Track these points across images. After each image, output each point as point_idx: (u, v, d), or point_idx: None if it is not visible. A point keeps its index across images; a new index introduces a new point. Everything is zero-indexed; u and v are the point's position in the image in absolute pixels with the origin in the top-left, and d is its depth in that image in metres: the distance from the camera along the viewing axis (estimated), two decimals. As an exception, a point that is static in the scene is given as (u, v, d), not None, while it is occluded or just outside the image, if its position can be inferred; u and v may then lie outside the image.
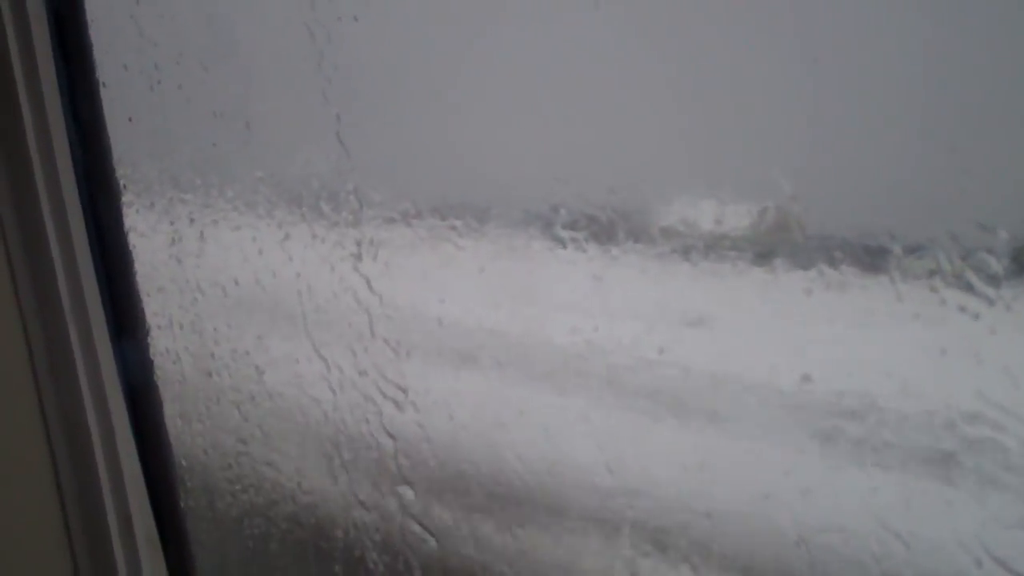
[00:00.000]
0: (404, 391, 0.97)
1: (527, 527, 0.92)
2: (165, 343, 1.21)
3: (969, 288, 0.60)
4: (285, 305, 1.06)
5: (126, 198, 1.18)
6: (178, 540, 1.24)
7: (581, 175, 0.78)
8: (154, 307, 1.20)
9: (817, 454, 0.69)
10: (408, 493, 1.00)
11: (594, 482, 0.84)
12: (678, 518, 0.79)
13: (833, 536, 0.72)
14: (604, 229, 0.77)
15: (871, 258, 0.64)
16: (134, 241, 1.19)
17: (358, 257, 0.96)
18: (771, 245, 0.68)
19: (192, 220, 1.14)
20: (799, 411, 0.69)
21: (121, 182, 1.18)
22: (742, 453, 0.75)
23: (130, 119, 1.16)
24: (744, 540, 0.79)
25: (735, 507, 0.78)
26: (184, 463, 1.23)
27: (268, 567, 1.25)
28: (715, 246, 0.71)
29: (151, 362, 1.21)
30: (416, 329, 0.95)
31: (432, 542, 1.00)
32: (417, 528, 1.00)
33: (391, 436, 1.00)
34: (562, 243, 0.80)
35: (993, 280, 0.58)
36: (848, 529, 0.71)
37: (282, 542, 1.21)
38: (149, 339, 1.21)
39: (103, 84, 1.17)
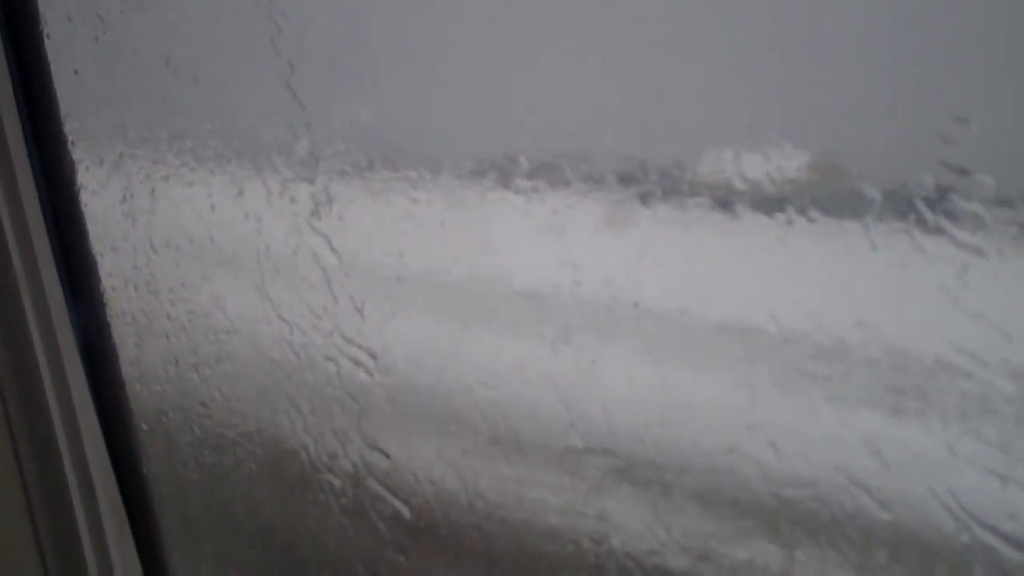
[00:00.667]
0: (368, 352, 0.94)
1: (491, 478, 0.90)
2: (120, 305, 1.18)
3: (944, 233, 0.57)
4: (242, 263, 1.03)
5: (75, 154, 1.14)
6: (143, 506, 1.21)
7: (539, 123, 0.76)
8: (108, 267, 1.17)
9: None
10: (374, 456, 0.98)
11: (560, 435, 0.82)
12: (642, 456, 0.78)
13: (801, 490, 0.71)
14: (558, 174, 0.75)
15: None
16: (85, 199, 1.16)
17: (315, 213, 0.93)
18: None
19: (144, 176, 1.11)
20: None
21: (70, 138, 1.14)
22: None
23: (76, 72, 1.12)
24: (710, 491, 0.77)
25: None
26: (145, 427, 1.21)
27: (235, 530, 1.23)
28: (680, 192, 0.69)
29: (108, 325, 1.18)
30: (376, 286, 0.92)
31: (400, 506, 0.98)
32: (382, 490, 0.98)
33: (354, 398, 0.97)
34: (521, 193, 0.78)
35: (972, 225, 0.56)
36: (818, 482, 0.69)
37: (247, 505, 1.19)
38: (105, 301, 1.18)
39: (47, 36, 1.13)
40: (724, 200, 0.66)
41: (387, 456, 0.97)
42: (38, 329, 1.14)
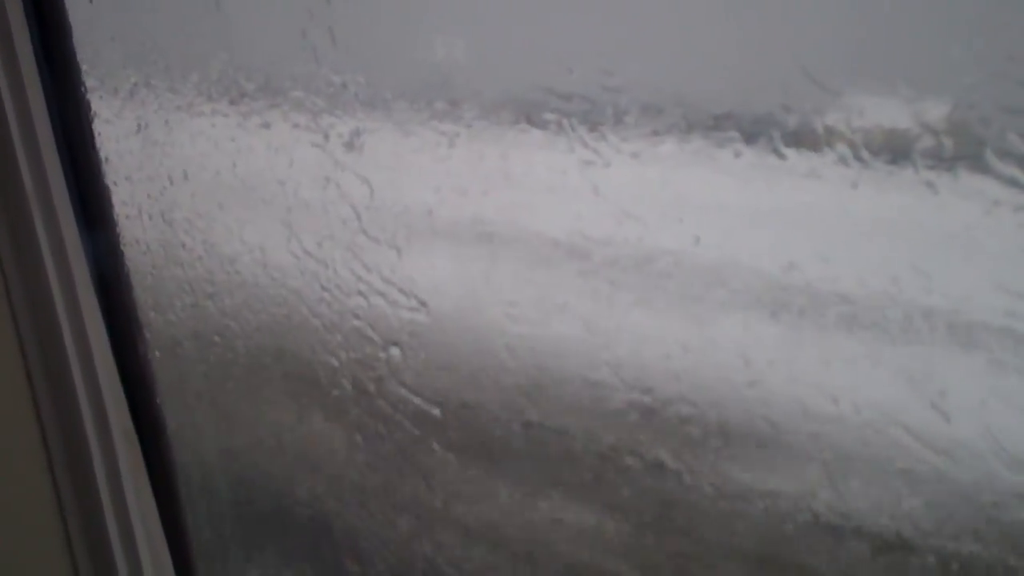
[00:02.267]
0: (400, 289, 0.96)
1: (523, 411, 0.93)
2: (135, 233, 1.20)
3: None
4: (263, 194, 1.04)
5: (88, 83, 1.15)
6: (154, 432, 1.24)
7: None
8: (122, 196, 1.18)
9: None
10: (400, 390, 1.00)
11: (586, 370, 0.85)
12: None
13: (827, 425, 0.73)
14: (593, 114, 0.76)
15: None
16: (99, 128, 1.17)
17: (346, 145, 0.95)
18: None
19: (159, 106, 1.12)
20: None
21: (83, 66, 1.15)
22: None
23: (91, 0, 1.13)
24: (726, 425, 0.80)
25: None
26: (158, 355, 1.23)
27: (246, 462, 1.25)
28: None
29: (121, 253, 1.20)
30: (406, 221, 0.94)
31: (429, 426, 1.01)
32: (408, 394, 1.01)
33: (382, 332, 0.99)
34: (548, 128, 0.79)
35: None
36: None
37: (260, 436, 1.22)
38: (118, 229, 1.20)
39: (60, -37, 1.13)
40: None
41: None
42: (51, 257, 1.16)
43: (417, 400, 0.99)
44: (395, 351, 0.99)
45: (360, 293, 0.97)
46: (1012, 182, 0.59)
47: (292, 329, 1.07)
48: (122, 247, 1.20)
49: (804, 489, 0.76)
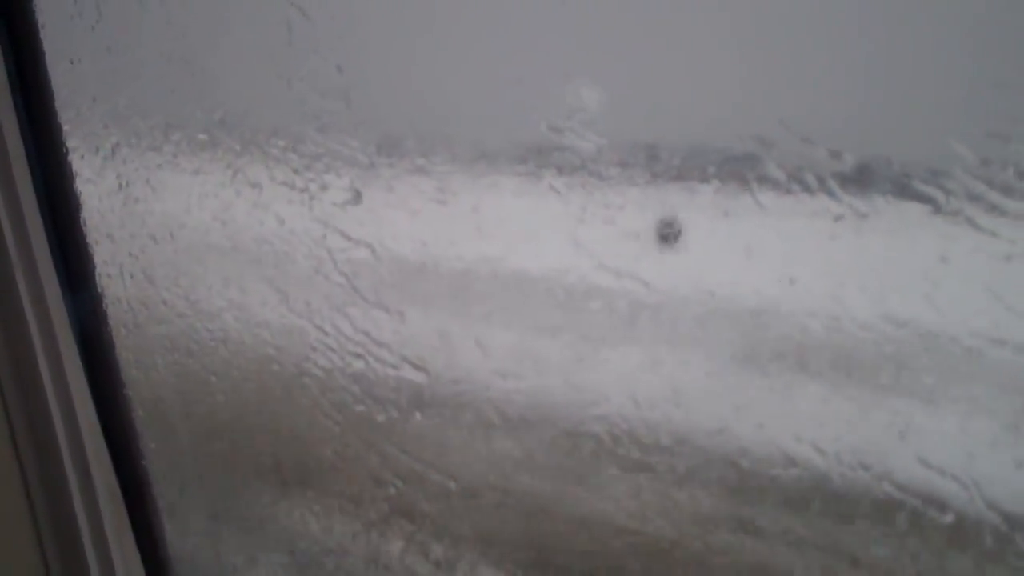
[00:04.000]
0: (387, 347, 0.98)
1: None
2: (116, 292, 1.22)
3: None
4: (247, 253, 1.06)
5: (70, 143, 1.18)
6: (140, 491, 1.25)
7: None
8: (103, 255, 1.20)
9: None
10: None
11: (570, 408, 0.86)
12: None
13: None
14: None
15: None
16: (80, 187, 1.19)
17: (327, 202, 0.97)
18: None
19: (140, 165, 1.14)
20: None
21: (65, 127, 1.18)
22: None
23: (71, 61, 1.16)
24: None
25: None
26: (142, 413, 1.24)
27: (235, 517, 1.26)
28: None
29: (104, 312, 1.22)
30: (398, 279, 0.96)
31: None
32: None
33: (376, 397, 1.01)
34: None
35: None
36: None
37: (249, 491, 1.23)
38: (100, 289, 1.22)
39: (43, 26, 1.16)
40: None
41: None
42: (35, 318, 1.18)
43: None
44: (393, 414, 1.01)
45: (353, 354, 0.99)
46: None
47: (278, 387, 1.08)
48: (104, 306, 1.22)
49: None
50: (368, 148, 0.92)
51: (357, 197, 0.95)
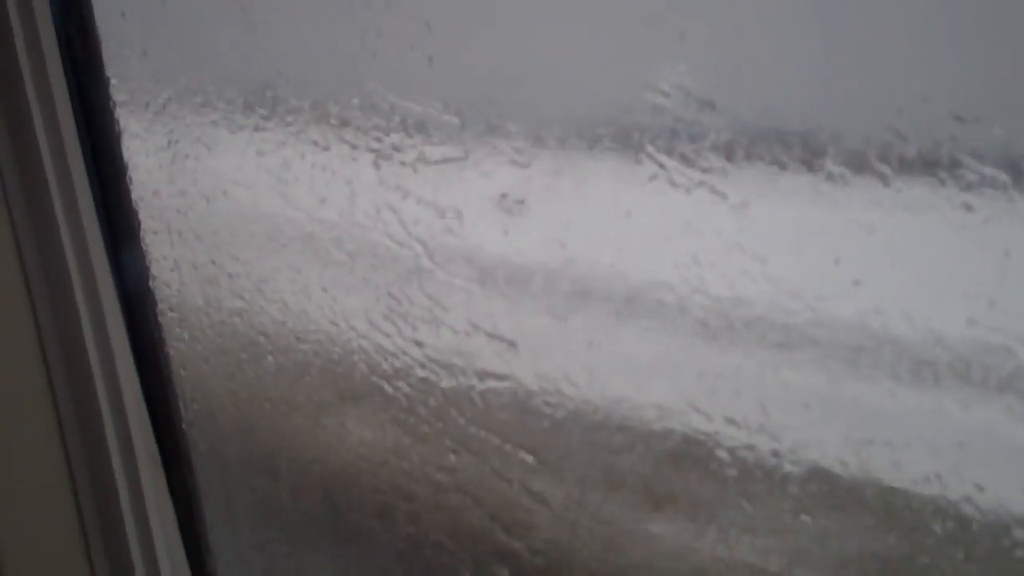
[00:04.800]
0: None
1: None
2: (161, 250, 1.20)
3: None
4: (303, 212, 1.05)
5: (119, 97, 1.16)
6: (179, 456, 1.24)
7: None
8: (150, 212, 1.19)
9: None
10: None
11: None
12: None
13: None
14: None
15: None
16: (127, 143, 1.17)
17: (401, 168, 0.96)
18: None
19: (190, 122, 1.13)
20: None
21: (113, 80, 1.16)
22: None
23: (123, 14, 1.14)
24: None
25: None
26: (183, 373, 1.23)
27: (273, 484, 1.26)
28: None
29: (147, 269, 1.20)
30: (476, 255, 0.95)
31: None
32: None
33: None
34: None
35: None
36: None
37: (287, 458, 1.22)
38: (144, 245, 1.20)
39: (94, -23, 1.15)
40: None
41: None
42: (79, 275, 1.16)
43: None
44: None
45: (426, 321, 0.98)
46: None
47: (335, 351, 1.07)
48: (148, 263, 1.21)
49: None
50: (450, 112, 0.91)
51: (428, 160, 0.94)
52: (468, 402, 0.99)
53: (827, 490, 0.77)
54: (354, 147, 0.99)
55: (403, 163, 0.95)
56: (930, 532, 0.72)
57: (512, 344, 0.95)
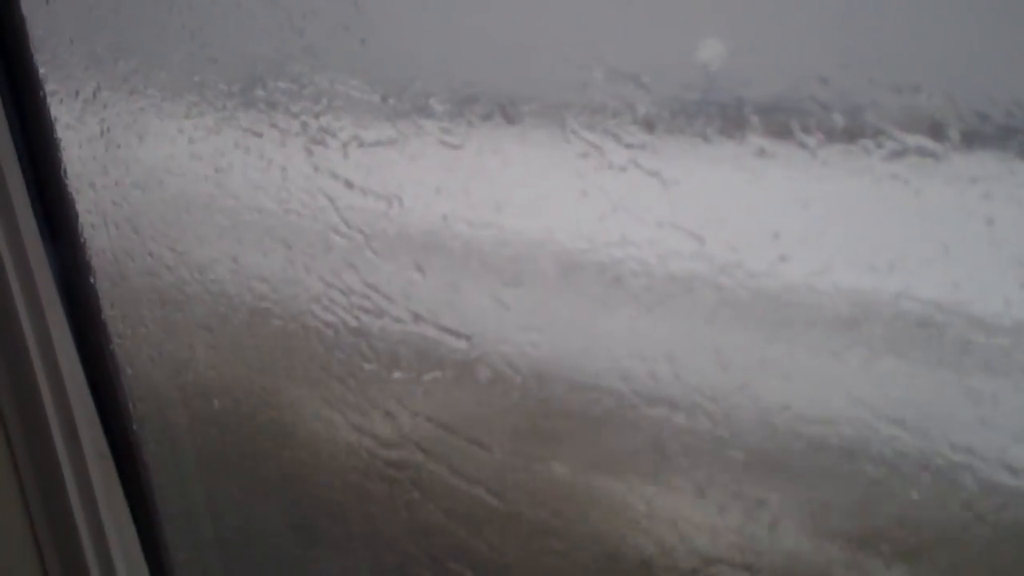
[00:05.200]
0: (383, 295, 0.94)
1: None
2: (100, 243, 1.17)
3: None
4: (243, 203, 1.02)
5: (48, 87, 1.13)
6: (130, 454, 1.21)
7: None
8: (86, 204, 1.16)
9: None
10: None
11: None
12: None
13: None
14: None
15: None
16: (60, 134, 1.14)
17: (320, 146, 0.92)
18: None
19: (121, 110, 1.10)
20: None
21: (42, 70, 1.12)
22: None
23: (47, 0, 1.10)
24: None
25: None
26: (130, 371, 1.20)
27: (224, 475, 1.23)
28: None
29: (88, 264, 1.17)
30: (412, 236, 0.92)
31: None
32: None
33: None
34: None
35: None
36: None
37: (238, 450, 1.19)
38: (84, 239, 1.17)
39: (15, -36, 1.11)
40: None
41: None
42: (15, 270, 1.13)
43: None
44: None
45: (362, 309, 0.95)
46: None
47: (278, 343, 1.04)
48: (88, 257, 1.18)
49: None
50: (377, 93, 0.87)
51: (362, 143, 0.91)
52: (414, 391, 0.97)
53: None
54: (285, 132, 0.95)
55: (335, 148, 0.92)
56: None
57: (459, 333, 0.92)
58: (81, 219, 1.17)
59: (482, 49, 0.83)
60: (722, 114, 0.67)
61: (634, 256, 0.76)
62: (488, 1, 0.82)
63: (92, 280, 1.19)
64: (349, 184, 0.91)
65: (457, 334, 0.89)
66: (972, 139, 0.58)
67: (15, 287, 1.14)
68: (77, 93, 1.12)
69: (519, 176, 0.83)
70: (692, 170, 0.72)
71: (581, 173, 0.77)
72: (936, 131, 0.59)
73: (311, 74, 0.92)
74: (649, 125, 0.71)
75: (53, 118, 1.15)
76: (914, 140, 0.60)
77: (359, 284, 0.96)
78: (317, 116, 0.92)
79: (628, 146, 0.73)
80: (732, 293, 0.72)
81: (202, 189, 1.05)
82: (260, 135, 0.98)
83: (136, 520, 1.23)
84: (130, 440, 1.22)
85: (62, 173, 1.16)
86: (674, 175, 0.73)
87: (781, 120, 0.65)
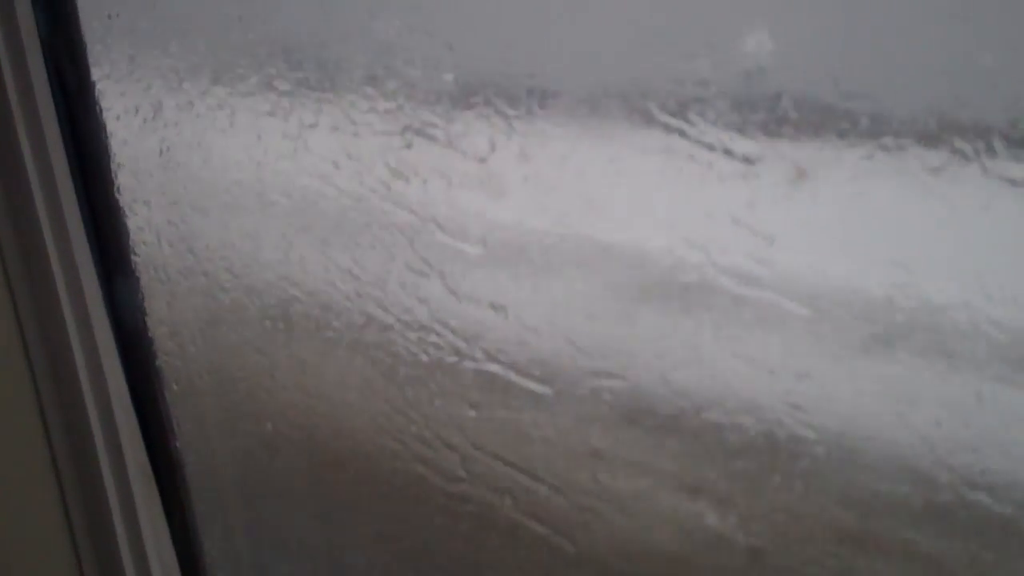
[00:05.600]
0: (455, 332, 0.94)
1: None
2: (152, 261, 1.17)
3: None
4: (293, 214, 1.02)
5: (104, 102, 1.12)
6: (171, 470, 1.21)
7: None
8: (139, 222, 1.16)
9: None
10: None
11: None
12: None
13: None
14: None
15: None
16: (116, 149, 1.14)
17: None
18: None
19: (183, 128, 1.09)
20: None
21: (97, 85, 1.12)
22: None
23: (109, 16, 1.10)
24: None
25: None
26: (175, 388, 1.20)
27: (267, 494, 1.23)
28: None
29: (137, 280, 1.17)
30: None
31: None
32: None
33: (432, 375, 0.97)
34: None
35: None
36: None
37: (288, 476, 1.19)
38: (134, 256, 1.17)
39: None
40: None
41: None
42: (65, 285, 1.13)
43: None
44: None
45: (423, 327, 0.95)
46: None
47: (334, 363, 1.05)
48: (138, 273, 1.17)
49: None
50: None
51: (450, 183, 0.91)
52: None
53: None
54: (360, 164, 0.95)
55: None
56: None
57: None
58: (133, 236, 1.16)
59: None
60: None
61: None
62: None
63: (140, 297, 1.18)
64: (435, 222, 0.91)
65: (537, 379, 0.90)
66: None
67: (64, 299, 1.14)
68: (137, 109, 1.11)
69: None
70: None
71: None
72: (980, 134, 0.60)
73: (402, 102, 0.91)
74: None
75: (108, 133, 1.14)
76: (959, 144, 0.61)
77: (428, 319, 0.96)
78: (396, 151, 0.92)
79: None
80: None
81: (266, 211, 1.05)
82: (338, 166, 0.97)
83: (175, 540, 1.23)
84: (172, 457, 1.22)
85: (115, 190, 1.15)
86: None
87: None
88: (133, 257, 1.17)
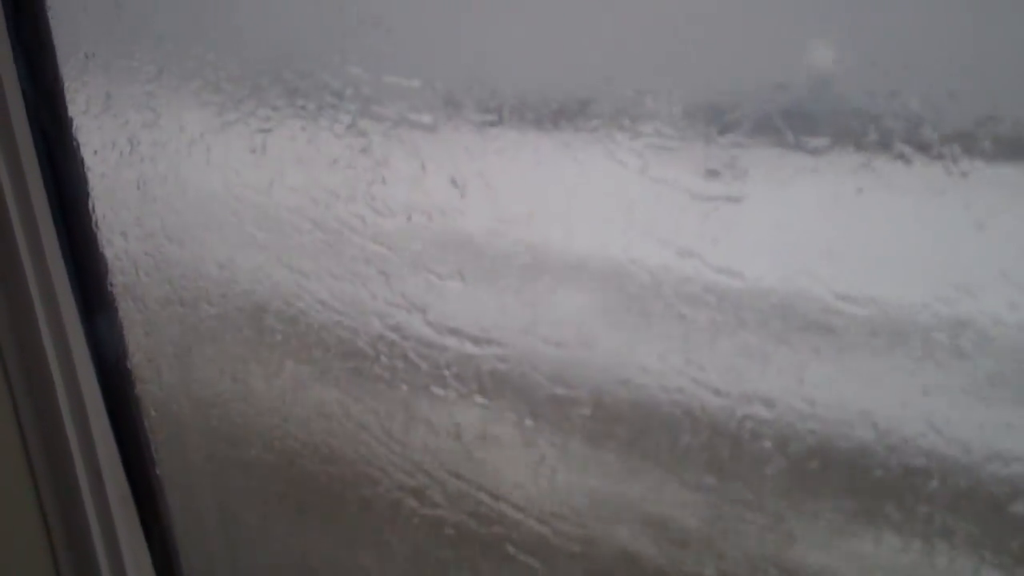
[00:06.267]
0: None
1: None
2: (131, 292, 1.20)
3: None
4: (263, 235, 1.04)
5: (80, 137, 1.16)
6: (151, 496, 1.24)
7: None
8: (117, 253, 1.19)
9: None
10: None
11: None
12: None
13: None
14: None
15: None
16: (93, 183, 1.17)
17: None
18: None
19: (158, 162, 1.12)
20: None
21: (75, 121, 1.15)
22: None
23: (86, 56, 1.13)
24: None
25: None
26: (154, 413, 1.23)
27: (245, 520, 1.26)
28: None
29: (115, 309, 1.20)
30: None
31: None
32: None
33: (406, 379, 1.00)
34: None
35: None
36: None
37: (257, 494, 1.22)
38: (111, 285, 1.20)
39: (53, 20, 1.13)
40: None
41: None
42: (45, 315, 1.16)
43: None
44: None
45: (402, 356, 0.98)
46: None
47: (309, 381, 1.08)
48: (117, 303, 1.20)
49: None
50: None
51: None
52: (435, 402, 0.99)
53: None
54: (337, 197, 0.98)
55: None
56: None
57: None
58: (111, 266, 1.19)
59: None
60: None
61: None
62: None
63: (119, 325, 1.21)
64: (411, 252, 0.94)
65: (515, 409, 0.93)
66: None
67: (44, 330, 1.17)
68: (113, 145, 1.14)
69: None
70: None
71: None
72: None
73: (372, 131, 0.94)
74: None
75: (87, 167, 1.17)
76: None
77: (405, 347, 0.99)
78: (371, 185, 0.95)
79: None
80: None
81: (241, 242, 1.08)
82: (315, 200, 1.00)
83: (156, 566, 1.26)
84: (152, 483, 1.25)
85: (93, 223, 1.18)
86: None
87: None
88: (111, 287, 1.20)
